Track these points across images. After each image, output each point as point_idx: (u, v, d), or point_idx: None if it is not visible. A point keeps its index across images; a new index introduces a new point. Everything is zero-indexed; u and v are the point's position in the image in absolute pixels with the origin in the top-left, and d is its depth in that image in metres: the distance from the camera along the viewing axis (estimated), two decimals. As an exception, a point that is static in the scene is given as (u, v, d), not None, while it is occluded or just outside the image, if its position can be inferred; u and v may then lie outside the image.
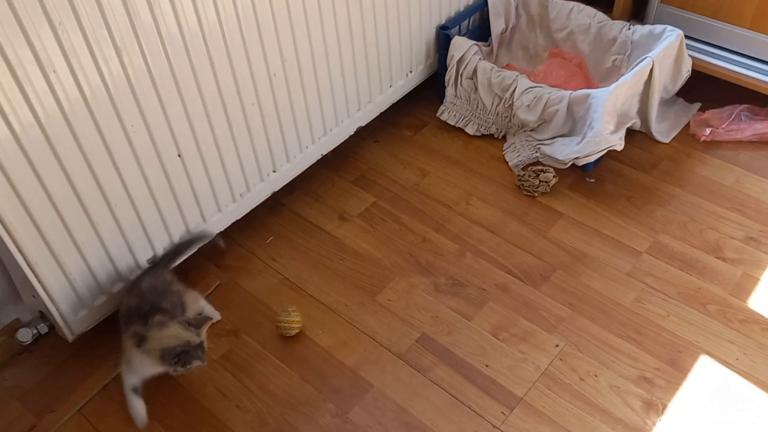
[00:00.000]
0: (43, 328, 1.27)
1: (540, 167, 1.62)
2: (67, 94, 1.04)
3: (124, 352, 1.14)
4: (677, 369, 1.27)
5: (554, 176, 1.61)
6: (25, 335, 1.26)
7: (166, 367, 1.08)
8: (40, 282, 1.16)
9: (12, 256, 1.11)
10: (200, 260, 1.50)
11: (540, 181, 1.60)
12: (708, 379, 1.26)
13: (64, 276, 1.19)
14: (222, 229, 1.45)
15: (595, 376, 1.27)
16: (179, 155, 1.27)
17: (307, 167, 1.59)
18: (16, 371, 1.34)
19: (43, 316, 1.27)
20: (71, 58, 1.02)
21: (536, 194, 1.61)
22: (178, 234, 1.35)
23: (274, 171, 1.51)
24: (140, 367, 1.11)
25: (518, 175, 1.64)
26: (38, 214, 1.10)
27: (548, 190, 1.61)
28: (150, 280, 1.16)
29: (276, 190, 1.54)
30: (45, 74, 1.01)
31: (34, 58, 0.98)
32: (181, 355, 1.06)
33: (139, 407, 1.19)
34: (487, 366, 1.29)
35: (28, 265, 1.13)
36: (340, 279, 1.47)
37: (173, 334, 1.06)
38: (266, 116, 1.40)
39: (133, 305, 1.12)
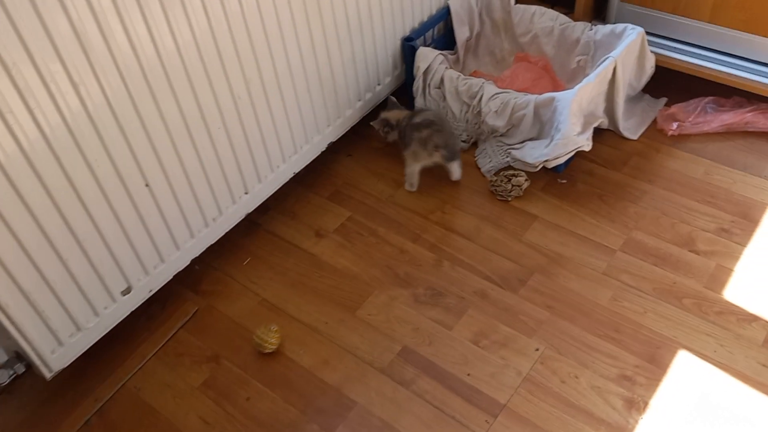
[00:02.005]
0: (20, 368, 1.26)
1: (512, 171, 1.63)
2: (26, 134, 1.04)
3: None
4: (656, 365, 1.28)
5: (526, 180, 1.62)
6: (1, 377, 1.25)
7: None
8: (12, 323, 1.14)
9: (-19, 299, 1.10)
10: (177, 287, 1.49)
11: (512, 185, 1.61)
12: (687, 374, 1.26)
13: (37, 315, 1.18)
14: (197, 255, 1.44)
15: (576, 377, 1.27)
16: (147, 185, 1.26)
17: (280, 186, 1.59)
18: (-4, 413, 1.33)
19: (19, 356, 1.25)
20: (27, 97, 1.01)
21: (510, 198, 1.62)
22: (151, 264, 1.35)
23: (246, 192, 1.50)
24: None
25: (491, 181, 1.64)
26: (5, 255, 1.08)
27: (521, 194, 1.62)
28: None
29: (250, 211, 1.54)
30: (2, 116, 1.00)
31: (-11, 99, 0.98)
32: None
33: None
34: (469, 375, 1.30)
35: (-1, 307, 1.12)
36: (319, 297, 1.47)
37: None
38: (234, 139, 1.40)
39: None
